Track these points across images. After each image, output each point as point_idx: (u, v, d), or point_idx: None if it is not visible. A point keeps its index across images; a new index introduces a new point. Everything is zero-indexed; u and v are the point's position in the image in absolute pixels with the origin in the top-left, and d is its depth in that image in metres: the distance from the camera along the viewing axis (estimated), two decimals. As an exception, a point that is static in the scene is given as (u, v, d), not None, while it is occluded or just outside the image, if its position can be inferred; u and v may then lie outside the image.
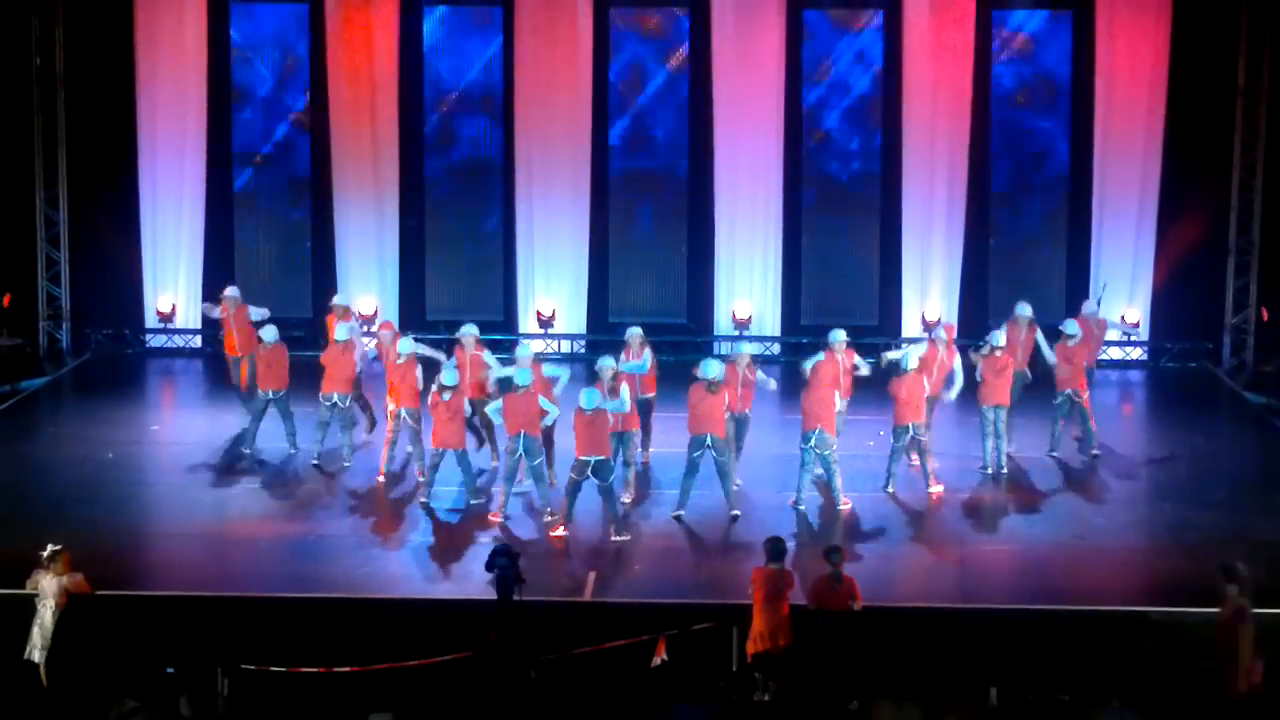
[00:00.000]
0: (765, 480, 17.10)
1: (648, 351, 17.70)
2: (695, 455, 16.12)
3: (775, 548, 12.94)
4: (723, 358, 18.00)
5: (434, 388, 16.45)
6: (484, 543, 15.09)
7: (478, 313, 23.44)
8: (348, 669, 12.72)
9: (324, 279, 23.41)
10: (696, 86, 23.17)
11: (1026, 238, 23.57)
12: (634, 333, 17.86)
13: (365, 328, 20.53)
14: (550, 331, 23.35)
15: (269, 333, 18.20)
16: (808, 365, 16.90)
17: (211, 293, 23.42)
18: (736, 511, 16.12)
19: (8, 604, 13.11)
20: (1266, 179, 22.70)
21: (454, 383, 16.29)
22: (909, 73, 22.93)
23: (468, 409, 16.86)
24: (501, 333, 23.30)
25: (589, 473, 15.52)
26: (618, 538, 15.57)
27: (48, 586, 12.72)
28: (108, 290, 23.32)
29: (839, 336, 17.49)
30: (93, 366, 22.84)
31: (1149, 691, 11.90)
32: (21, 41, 22.59)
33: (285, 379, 18.08)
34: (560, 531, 15.66)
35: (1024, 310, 18.48)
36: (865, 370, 17.55)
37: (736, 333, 23.19)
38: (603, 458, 15.55)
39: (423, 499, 16.47)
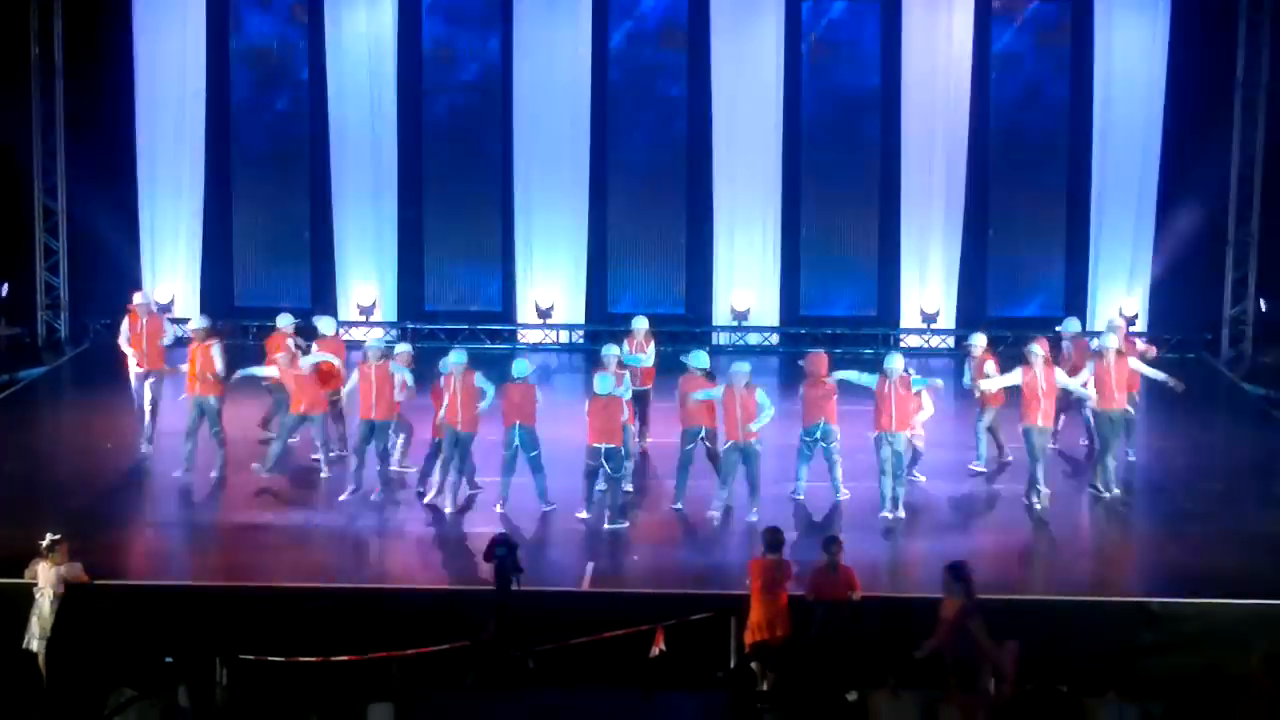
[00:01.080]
0: (764, 471, 17.01)
1: (652, 345, 17.74)
2: (688, 448, 16.07)
3: (773, 538, 12.94)
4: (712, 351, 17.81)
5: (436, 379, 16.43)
6: (482, 533, 15.07)
7: (477, 304, 23.57)
8: (346, 658, 12.72)
9: (323, 270, 23.42)
10: (696, 76, 23.16)
11: (1025, 229, 23.53)
12: (640, 324, 17.84)
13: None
14: (549, 322, 23.34)
15: (282, 319, 18.04)
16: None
17: (211, 288, 23.47)
18: (730, 505, 16.01)
19: (6, 593, 13.11)
20: (1265, 171, 22.70)
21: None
22: (908, 63, 22.92)
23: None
24: (500, 323, 23.33)
25: (602, 460, 15.53)
26: (612, 525, 15.55)
27: (46, 576, 12.73)
28: (106, 280, 23.24)
29: (893, 364, 15.87)
30: (91, 356, 22.81)
31: (1146, 683, 11.90)
32: (20, 31, 22.55)
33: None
34: (582, 514, 15.68)
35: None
36: (939, 383, 16.78)
37: (735, 323, 23.20)
38: (614, 446, 15.54)
39: (420, 489, 16.46)
